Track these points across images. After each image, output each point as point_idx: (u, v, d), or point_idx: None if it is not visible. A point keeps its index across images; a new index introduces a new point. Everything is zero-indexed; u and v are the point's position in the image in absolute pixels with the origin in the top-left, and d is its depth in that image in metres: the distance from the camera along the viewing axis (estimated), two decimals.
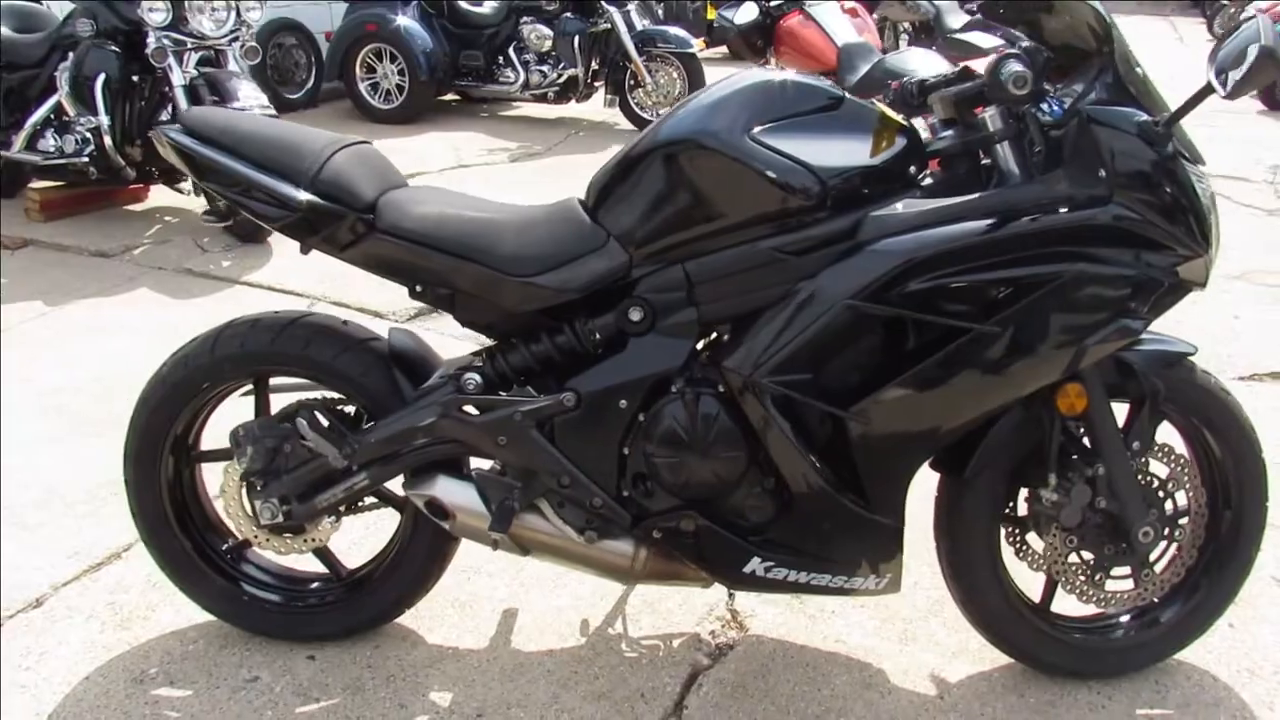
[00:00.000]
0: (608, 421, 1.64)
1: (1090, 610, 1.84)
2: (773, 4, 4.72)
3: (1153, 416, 1.68)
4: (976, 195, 1.52)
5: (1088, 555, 1.74)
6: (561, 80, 6.70)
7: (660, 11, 8.13)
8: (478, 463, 1.78)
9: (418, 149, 6.12)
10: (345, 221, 1.60)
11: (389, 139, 6.31)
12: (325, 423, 1.70)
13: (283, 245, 4.29)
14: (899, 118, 1.62)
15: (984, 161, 1.63)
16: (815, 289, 1.52)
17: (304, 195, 1.57)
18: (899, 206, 1.54)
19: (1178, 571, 1.79)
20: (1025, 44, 1.56)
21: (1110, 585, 1.77)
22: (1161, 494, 1.74)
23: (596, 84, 6.88)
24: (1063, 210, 1.48)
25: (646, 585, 1.94)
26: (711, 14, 4.92)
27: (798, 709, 1.78)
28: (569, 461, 1.65)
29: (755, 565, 1.67)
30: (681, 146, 1.55)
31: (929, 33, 6.88)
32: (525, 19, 6.72)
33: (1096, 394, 1.64)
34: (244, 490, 1.80)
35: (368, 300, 3.71)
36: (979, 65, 3.69)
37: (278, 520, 1.75)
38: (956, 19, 6.67)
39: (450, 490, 1.71)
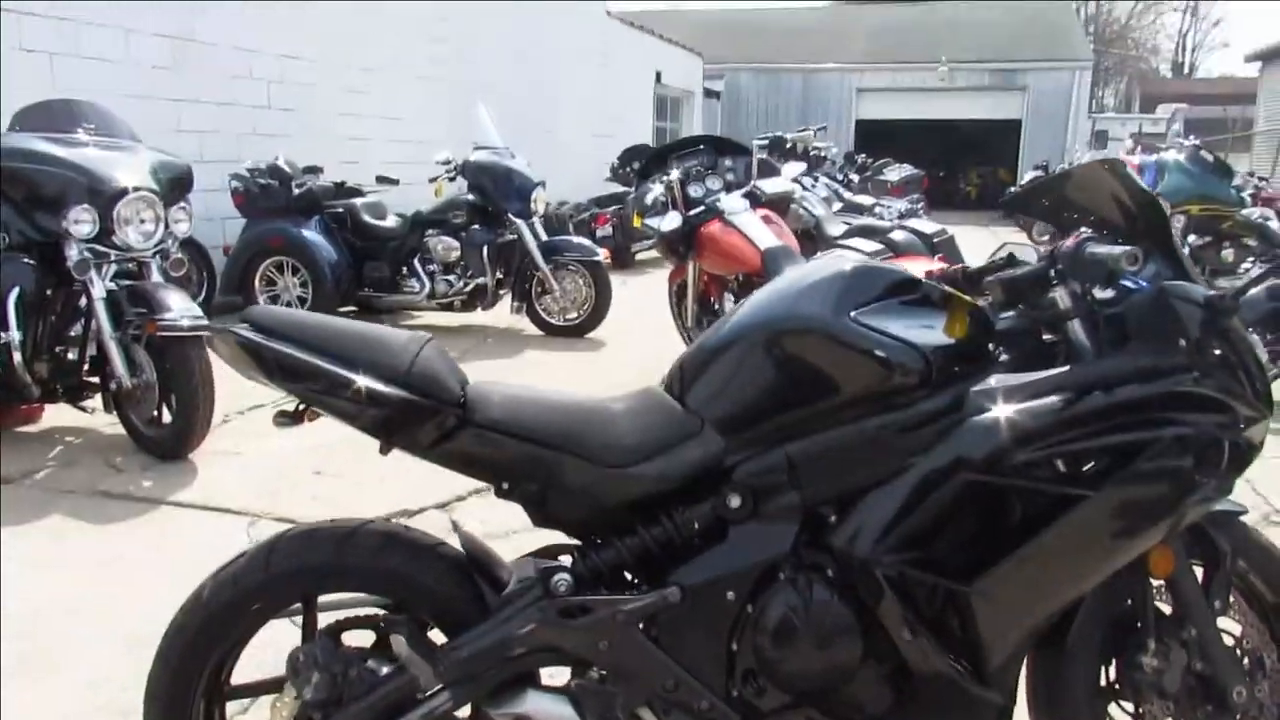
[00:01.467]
0: (715, 616, 1.55)
1: None
2: (691, 213, 4.98)
3: (1229, 575, 1.73)
4: (1067, 369, 1.59)
5: None
6: (469, 289, 6.78)
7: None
8: (548, 673, 1.65)
9: None
10: (439, 417, 1.52)
11: None
12: (415, 639, 1.54)
13: (209, 459, 4.05)
14: (968, 299, 1.70)
15: (1046, 337, 1.72)
16: (931, 464, 1.52)
17: (398, 391, 1.49)
18: (992, 381, 1.59)
19: None
20: (1086, 231, 1.67)
21: None
22: (1239, 652, 1.77)
23: (502, 291, 6.99)
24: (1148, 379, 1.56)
25: None
26: (637, 222, 5.15)
27: None
28: (675, 662, 1.55)
29: None
30: (783, 330, 1.57)
31: (810, 240, 7.39)
32: (430, 231, 6.84)
33: (1181, 556, 1.68)
34: None
35: (313, 514, 3.49)
36: (913, 265, 3.88)
37: None
38: (836, 227, 7.20)
39: (543, 706, 1.56)
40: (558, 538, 1.71)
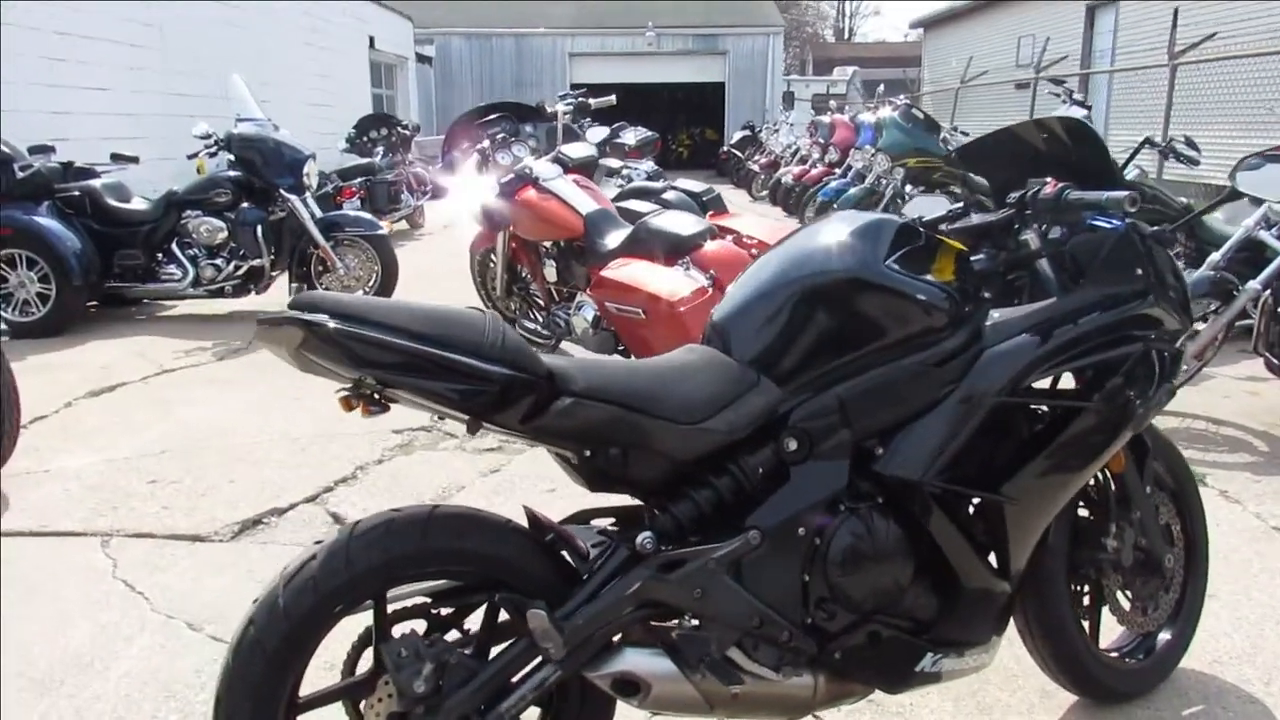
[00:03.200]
0: (790, 552, 1.66)
1: (1115, 641, 2.17)
2: (503, 180, 4.93)
3: (1153, 466, 2.08)
4: (1053, 301, 1.83)
5: (1130, 590, 2.07)
6: (241, 273, 6.30)
7: None
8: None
9: (97, 360, 5.37)
10: (535, 391, 1.50)
11: (46, 354, 5.50)
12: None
13: (15, 483, 3.55)
14: (956, 244, 1.90)
15: (1009, 276, 1.96)
16: (965, 392, 1.71)
17: (502, 369, 1.46)
18: (996, 315, 1.80)
19: (1178, 590, 2.18)
20: (1041, 183, 1.90)
21: (1148, 612, 2.11)
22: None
23: (275, 273, 6.56)
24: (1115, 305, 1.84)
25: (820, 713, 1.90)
26: None
27: None
28: (758, 600, 1.65)
29: (925, 662, 1.76)
30: (831, 282, 1.69)
31: None
32: (189, 213, 6.27)
33: (1127, 453, 2.00)
34: None
35: (172, 525, 3.20)
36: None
37: None
38: (608, 190, 7.40)
39: (643, 662, 1.60)
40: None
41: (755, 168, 16.31)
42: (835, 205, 9.90)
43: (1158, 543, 2.06)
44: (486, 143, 4.92)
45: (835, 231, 1.77)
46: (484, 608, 1.63)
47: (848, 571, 1.68)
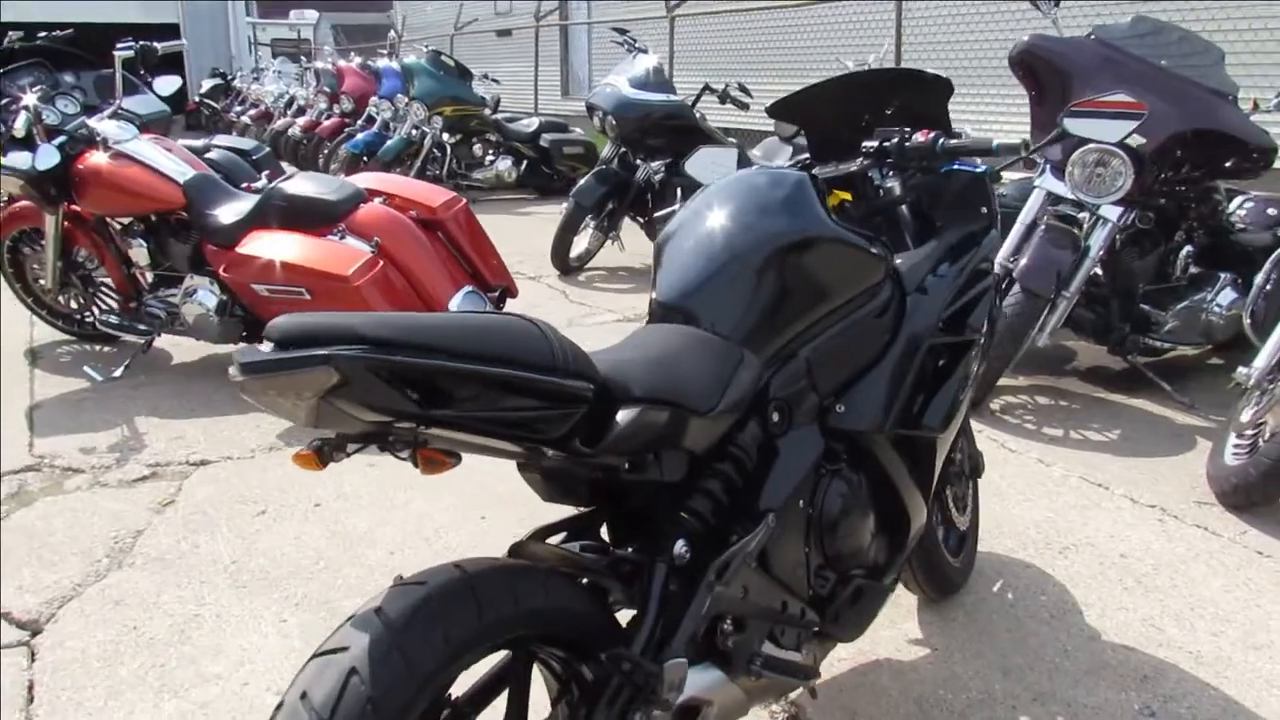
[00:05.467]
0: (796, 528, 1.60)
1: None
2: (56, 142, 3.90)
3: None
4: (935, 243, 1.93)
5: (955, 494, 2.32)
6: None
7: None
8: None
9: None
10: (602, 404, 1.23)
11: None
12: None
13: None
14: (843, 194, 1.92)
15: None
16: (907, 339, 1.76)
17: (586, 384, 1.17)
18: (899, 260, 1.87)
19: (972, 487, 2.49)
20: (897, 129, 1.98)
21: (964, 511, 2.39)
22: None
23: None
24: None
25: None
26: None
27: (884, 708, 1.99)
28: (781, 585, 1.57)
29: (883, 603, 1.82)
30: (793, 243, 1.61)
31: None
32: None
33: None
34: None
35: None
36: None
37: None
38: (121, 131, 6.25)
39: (700, 680, 1.44)
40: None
41: (247, 120, 14.87)
42: (371, 158, 9.41)
43: (977, 454, 2.33)
44: (31, 98, 3.84)
45: (768, 191, 1.69)
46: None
47: (839, 534, 1.67)
